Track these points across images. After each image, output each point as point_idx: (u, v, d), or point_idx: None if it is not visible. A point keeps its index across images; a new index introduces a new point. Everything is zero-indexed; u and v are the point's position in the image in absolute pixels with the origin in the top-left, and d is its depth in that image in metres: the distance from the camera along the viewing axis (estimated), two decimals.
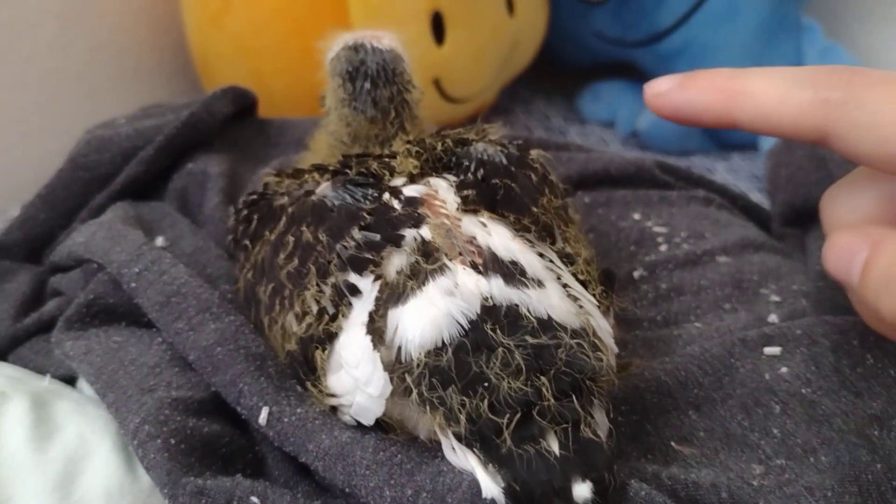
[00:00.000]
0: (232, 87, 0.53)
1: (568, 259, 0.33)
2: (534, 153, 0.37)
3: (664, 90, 0.32)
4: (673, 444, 0.31)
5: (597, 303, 0.31)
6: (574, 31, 0.93)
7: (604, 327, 0.31)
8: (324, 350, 0.31)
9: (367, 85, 0.38)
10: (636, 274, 0.44)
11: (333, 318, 0.30)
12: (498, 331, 0.27)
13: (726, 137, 0.88)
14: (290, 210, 0.34)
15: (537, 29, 0.88)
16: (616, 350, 0.31)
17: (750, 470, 0.30)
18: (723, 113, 0.30)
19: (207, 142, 0.51)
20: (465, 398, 0.26)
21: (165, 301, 0.36)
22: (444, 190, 0.33)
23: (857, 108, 0.27)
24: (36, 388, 0.37)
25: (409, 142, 0.36)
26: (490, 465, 0.26)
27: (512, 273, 0.29)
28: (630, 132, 0.90)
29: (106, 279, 0.39)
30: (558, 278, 0.30)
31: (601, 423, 0.27)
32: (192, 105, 0.51)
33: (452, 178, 0.34)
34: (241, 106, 0.55)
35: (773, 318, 0.39)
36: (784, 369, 0.33)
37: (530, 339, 0.27)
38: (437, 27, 0.76)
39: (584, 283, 0.32)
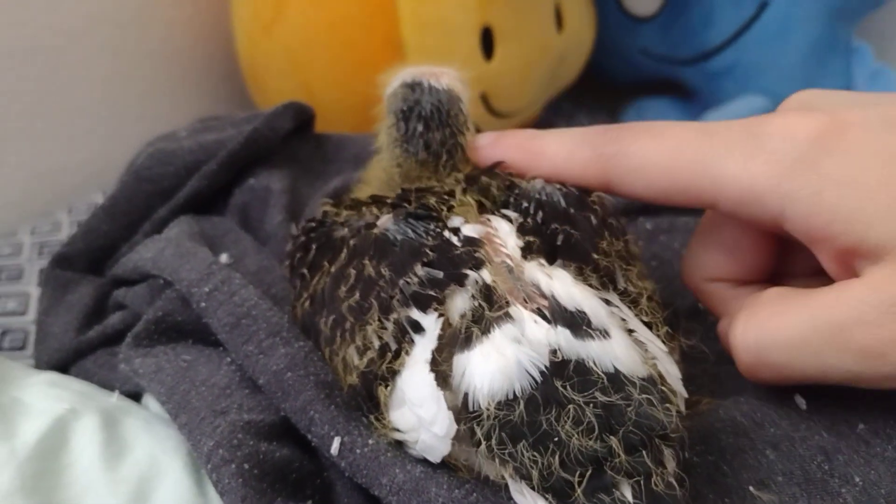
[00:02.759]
0: (293, 103, 0.53)
1: (632, 301, 0.32)
2: (594, 192, 0.36)
3: (482, 145, 0.38)
4: (751, 488, 0.31)
5: (664, 346, 0.31)
6: (620, 47, 0.93)
7: (673, 373, 0.30)
8: (386, 386, 0.30)
9: (420, 127, 0.37)
10: (701, 305, 0.43)
11: (396, 354, 0.30)
12: (568, 388, 0.27)
13: None
14: (351, 242, 0.34)
15: (585, 45, 0.87)
16: (685, 395, 0.31)
17: None
18: (526, 168, 0.36)
19: (268, 157, 0.51)
20: (536, 454, 0.26)
21: (235, 323, 0.36)
22: (505, 233, 0.33)
23: (626, 158, 0.33)
24: (105, 404, 0.37)
25: (462, 181, 0.35)
26: None
27: (578, 324, 0.28)
28: None
29: (174, 296, 0.39)
30: (623, 321, 0.30)
31: (673, 472, 0.27)
32: (253, 120, 0.51)
33: (514, 215, 0.33)
34: (299, 121, 0.55)
35: None
36: (861, 426, 0.33)
37: (601, 397, 0.27)
38: (487, 42, 0.76)
39: (648, 325, 0.32)
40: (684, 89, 0.93)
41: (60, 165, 0.81)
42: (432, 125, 0.37)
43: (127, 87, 0.85)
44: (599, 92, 0.97)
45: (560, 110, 0.94)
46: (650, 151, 0.33)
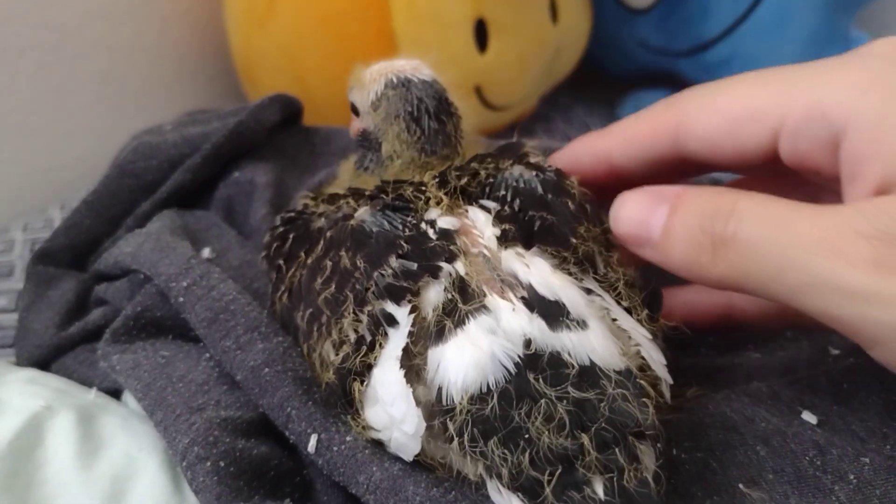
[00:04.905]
0: (279, 96, 0.53)
1: (610, 286, 0.31)
2: (572, 176, 0.35)
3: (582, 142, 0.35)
4: (741, 486, 0.30)
5: (648, 334, 0.30)
6: (617, 39, 0.92)
7: (657, 359, 0.29)
8: (361, 382, 0.30)
9: (434, 124, 0.36)
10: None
11: (371, 347, 0.30)
12: (541, 381, 0.26)
13: None
14: (328, 234, 0.34)
15: (580, 37, 0.86)
16: (671, 381, 0.30)
17: None
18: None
19: (254, 150, 0.50)
20: (506, 451, 0.25)
21: (213, 318, 0.36)
22: (482, 223, 0.32)
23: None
24: (82, 401, 0.36)
25: (436, 176, 0.34)
26: None
27: (555, 315, 0.28)
28: None
29: (153, 291, 0.39)
30: (606, 311, 0.29)
31: (648, 467, 0.26)
32: (239, 113, 0.50)
33: (492, 204, 0.33)
34: (287, 114, 0.54)
35: (835, 350, 0.38)
36: (857, 424, 0.32)
37: (573, 393, 0.26)
38: (481, 34, 0.75)
39: (627, 310, 0.31)
40: (681, 81, 0.92)
41: (54, 162, 0.80)
42: (443, 118, 0.36)
43: (121, 83, 0.85)
44: (596, 84, 0.95)
45: (556, 103, 0.93)
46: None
